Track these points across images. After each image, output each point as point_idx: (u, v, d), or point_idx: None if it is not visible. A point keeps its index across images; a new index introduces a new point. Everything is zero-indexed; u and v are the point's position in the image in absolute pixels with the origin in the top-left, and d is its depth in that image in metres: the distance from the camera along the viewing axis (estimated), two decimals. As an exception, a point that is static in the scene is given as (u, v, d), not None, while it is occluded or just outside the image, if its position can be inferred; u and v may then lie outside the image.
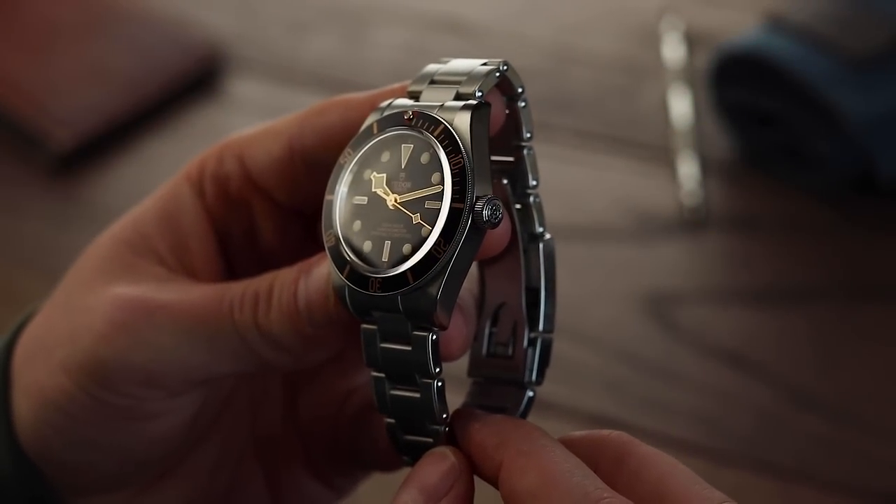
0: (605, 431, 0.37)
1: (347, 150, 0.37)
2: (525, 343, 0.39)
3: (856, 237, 0.73)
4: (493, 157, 0.38)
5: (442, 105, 0.36)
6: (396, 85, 0.39)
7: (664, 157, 0.79)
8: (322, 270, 0.38)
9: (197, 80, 0.86)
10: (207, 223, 0.42)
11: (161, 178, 0.85)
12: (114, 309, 0.39)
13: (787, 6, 0.77)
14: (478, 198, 0.35)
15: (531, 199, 0.39)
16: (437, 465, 0.36)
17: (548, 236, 0.39)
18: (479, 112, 0.36)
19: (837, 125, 0.72)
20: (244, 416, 0.44)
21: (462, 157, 0.35)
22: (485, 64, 0.37)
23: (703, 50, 0.84)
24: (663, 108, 0.82)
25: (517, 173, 0.38)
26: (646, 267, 0.72)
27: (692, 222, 0.75)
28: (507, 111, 0.38)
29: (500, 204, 0.35)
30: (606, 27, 0.90)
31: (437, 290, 0.35)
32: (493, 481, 0.35)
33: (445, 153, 0.35)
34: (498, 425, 0.36)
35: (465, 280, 0.38)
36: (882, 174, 0.73)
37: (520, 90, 0.38)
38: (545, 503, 0.33)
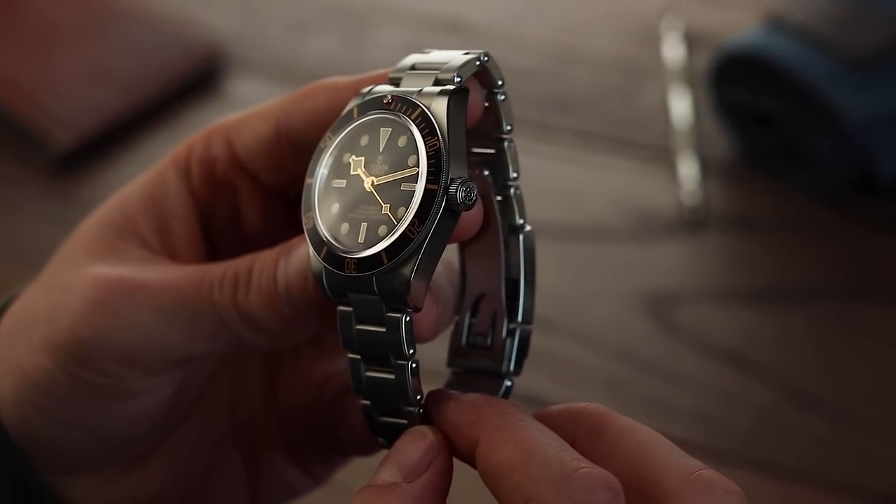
0: (583, 404, 0.37)
1: (328, 134, 0.38)
2: (504, 333, 0.39)
3: (856, 237, 0.73)
4: (476, 150, 0.39)
5: (420, 90, 0.37)
6: (380, 71, 0.40)
7: (664, 157, 0.79)
8: (301, 252, 0.38)
9: (197, 80, 0.86)
10: (191, 206, 0.42)
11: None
12: (93, 288, 0.40)
13: (787, 6, 0.77)
14: (452, 180, 0.35)
15: (512, 190, 0.39)
16: (416, 442, 0.36)
17: (528, 228, 0.39)
18: (457, 96, 0.36)
19: (837, 125, 0.72)
20: (224, 399, 0.44)
21: (437, 140, 0.35)
22: (466, 54, 0.37)
23: (703, 50, 0.84)
24: (663, 108, 0.82)
25: (498, 166, 0.39)
26: (646, 267, 0.72)
27: (692, 222, 0.75)
28: (486, 104, 0.38)
29: (474, 186, 0.35)
30: (606, 27, 0.90)
31: (410, 270, 0.35)
32: (470, 459, 0.35)
33: (422, 136, 0.36)
34: (472, 403, 0.36)
35: (443, 266, 0.39)
36: (882, 174, 0.73)
37: (500, 83, 0.38)
38: (523, 474, 0.33)
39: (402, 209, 0.35)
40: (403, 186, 0.36)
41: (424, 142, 0.36)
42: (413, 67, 0.38)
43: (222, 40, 0.89)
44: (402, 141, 0.36)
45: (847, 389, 0.65)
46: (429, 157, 0.35)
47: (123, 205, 0.42)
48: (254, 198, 0.42)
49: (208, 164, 0.42)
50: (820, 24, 0.75)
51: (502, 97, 0.38)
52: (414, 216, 0.35)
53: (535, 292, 0.39)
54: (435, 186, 0.35)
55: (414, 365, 0.36)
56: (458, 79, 0.37)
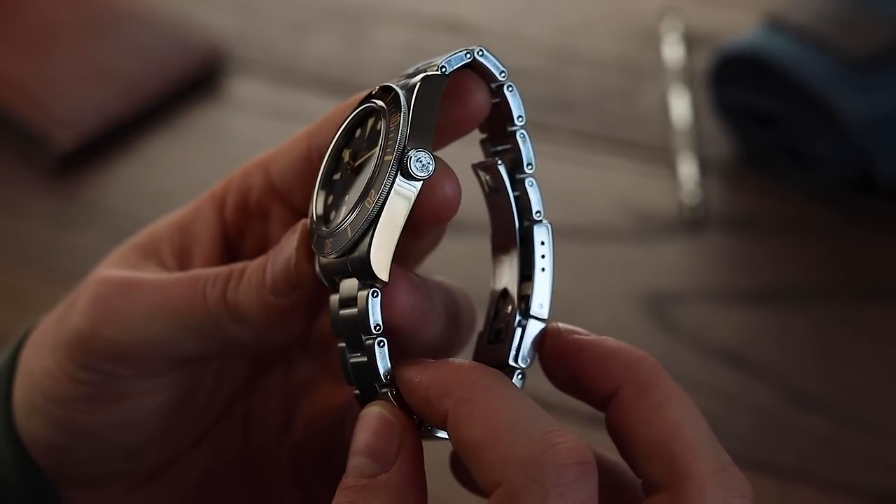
0: (642, 353, 0.37)
1: (335, 135, 0.39)
2: (515, 326, 0.39)
3: (856, 237, 0.73)
4: (496, 148, 0.39)
5: (407, 81, 0.38)
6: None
7: (664, 157, 0.79)
8: (289, 243, 0.39)
9: (198, 80, 0.86)
10: (218, 234, 0.43)
11: (162, 179, 0.85)
12: (97, 285, 0.41)
13: (787, 6, 0.77)
14: (408, 150, 0.36)
15: (527, 184, 0.39)
16: (380, 427, 0.36)
17: (543, 221, 0.39)
18: (431, 78, 0.37)
19: (837, 125, 0.72)
20: (237, 431, 0.45)
21: (399, 116, 0.36)
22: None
23: (703, 50, 0.84)
24: (663, 108, 0.82)
25: (515, 160, 0.39)
26: (646, 267, 0.72)
27: (692, 222, 0.75)
28: (496, 100, 0.38)
29: (432, 157, 0.36)
30: (606, 28, 0.90)
31: (369, 240, 0.36)
32: (444, 429, 0.35)
33: (389, 114, 0.37)
34: (437, 376, 0.35)
35: (423, 273, 0.39)
36: (882, 174, 0.73)
37: (502, 75, 0.38)
38: (491, 455, 0.33)
39: (366, 184, 0.36)
40: (372, 164, 0.37)
41: (389, 119, 0.36)
42: (417, 69, 0.39)
43: (222, 40, 0.89)
44: (379, 125, 0.37)
45: (847, 389, 0.65)
46: (388, 132, 0.36)
47: (154, 228, 0.44)
48: (284, 224, 0.43)
49: (244, 193, 0.43)
50: (820, 24, 0.75)
51: (509, 88, 0.38)
52: (371, 187, 0.36)
53: (551, 287, 0.39)
54: (389, 157, 0.36)
55: (381, 342, 0.36)
56: (444, 68, 0.37)
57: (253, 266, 0.40)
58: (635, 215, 0.75)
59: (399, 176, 0.35)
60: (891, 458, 0.62)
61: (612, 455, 0.37)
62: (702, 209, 0.75)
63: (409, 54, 0.88)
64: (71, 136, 0.81)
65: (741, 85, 0.77)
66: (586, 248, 0.73)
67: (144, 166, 0.81)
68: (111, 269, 0.42)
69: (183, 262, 0.43)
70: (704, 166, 0.78)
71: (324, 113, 0.42)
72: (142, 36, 0.89)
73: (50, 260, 0.75)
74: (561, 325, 0.39)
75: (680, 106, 0.82)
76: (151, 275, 0.41)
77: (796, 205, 0.75)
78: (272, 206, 0.42)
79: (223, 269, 0.40)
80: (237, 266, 0.40)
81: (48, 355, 0.41)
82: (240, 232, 0.43)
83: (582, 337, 0.38)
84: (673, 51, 0.86)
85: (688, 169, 0.77)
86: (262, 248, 0.43)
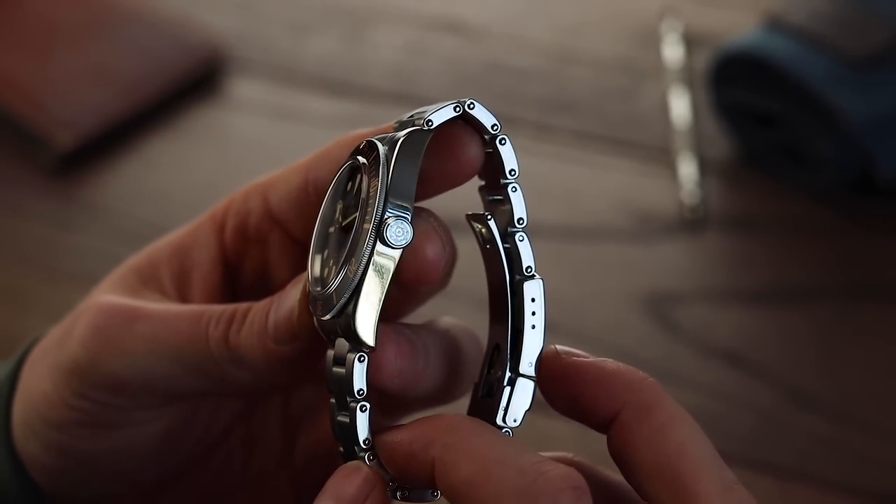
0: (642, 374, 0.36)
1: (331, 184, 0.39)
2: (504, 383, 0.38)
3: (856, 237, 0.73)
4: (489, 197, 0.39)
5: (391, 136, 0.37)
6: (392, 123, 0.40)
7: (664, 158, 0.79)
8: (293, 293, 0.39)
9: (197, 80, 0.86)
10: (218, 258, 0.43)
11: (162, 179, 0.85)
12: (97, 313, 0.40)
13: (787, 6, 0.77)
14: (387, 218, 0.36)
15: (517, 237, 0.38)
16: (352, 476, 0.36)
17: (534, 276, 0.38)
18: (413, 135, 0.36)
19: (837, 125, 0.72)
20: (237, 454, 0.45)
21: (377, 180, 0.36)
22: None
23: (703, 50, 0.84)
24: (663, 108, 0.82)
25: (505, 212, 0.39)
26: (646, 267, 0.72)
27: (692, 222, 0.75)
28: (489, 150, 0.38)
29: (410, 224, 0.36)
30: (606, 28, 0.90)
31: (353, 309, 0.36)
32: (432, 483, 0.35)
33: (369, 177, 0.37)
34: (419, 430, 0.36)
35: (427, 331, 0.39)
36: (882, 174, 0.73)
37: (494, 128, 0.38)
38: (484, 491, 0.33)
39: (348, 251, 0.36)
40: (355, 227, 0.37)
41: (370, 182, 0.36)
42: (409, 117, 0.39)
43: (222, 40, 0.89)
44: (364, 183, 0.37)
45: (847, 389, 0.65)
46: (368, 197, 0.36)
47: (152, 251, 0.43)
48: (283, 251, 0.43)
49: (243, 217, 0.43)
50: (819, 24, 0.75)
51: (501, 141, 0.38)
52: (352, 256, 0.36)
53: (541, 342, 0.38)
54: (368, 225, 0.36)
55: (362, 407, 0.36)
56: (430, 123, 0.37)
57: (256, 309, 0.39)
58: (635, 215, 0.75)
59: (378, 243, 0.36)
60: (891, 458, 0.62)
61: (616, 475, 0.37)
62: (702, 209, 0.75)
63: (409, 54, 0.88)
64: (71, 136, 0.81)
65: (741, 85, 0.77)
66: (586, 248, 0.73)
67: (144, 166, 0.81)
68: (112, 294, 0.41)
69: (182, 286, 0.42)
70: (704, 166, 0.78)
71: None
72: (142, 36, 0.89)
73: (50, 260, 0.75)
74: (559, 347, 0.38)
75: (680, 106, 0.82)
76: (154, 305, 0.40)
77: (796, 205, 0.75)
78: (271, 233, 0.42)
79: (228, 308, 0.40)
80: (241, 307, 0.40)
81: (46, 378, 0.41)
82: (239, 256, 0.43)
83: (581, 359, 0.37)
84: (673, 51, 0.86)
85: (688, 169, 0.77)
86: (262, 274, 0.43)
